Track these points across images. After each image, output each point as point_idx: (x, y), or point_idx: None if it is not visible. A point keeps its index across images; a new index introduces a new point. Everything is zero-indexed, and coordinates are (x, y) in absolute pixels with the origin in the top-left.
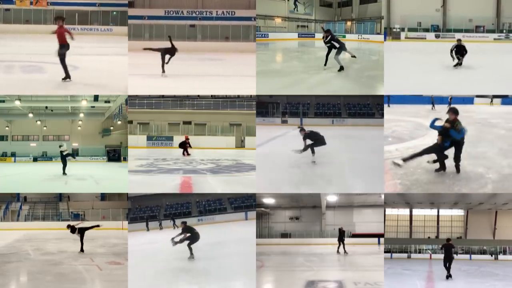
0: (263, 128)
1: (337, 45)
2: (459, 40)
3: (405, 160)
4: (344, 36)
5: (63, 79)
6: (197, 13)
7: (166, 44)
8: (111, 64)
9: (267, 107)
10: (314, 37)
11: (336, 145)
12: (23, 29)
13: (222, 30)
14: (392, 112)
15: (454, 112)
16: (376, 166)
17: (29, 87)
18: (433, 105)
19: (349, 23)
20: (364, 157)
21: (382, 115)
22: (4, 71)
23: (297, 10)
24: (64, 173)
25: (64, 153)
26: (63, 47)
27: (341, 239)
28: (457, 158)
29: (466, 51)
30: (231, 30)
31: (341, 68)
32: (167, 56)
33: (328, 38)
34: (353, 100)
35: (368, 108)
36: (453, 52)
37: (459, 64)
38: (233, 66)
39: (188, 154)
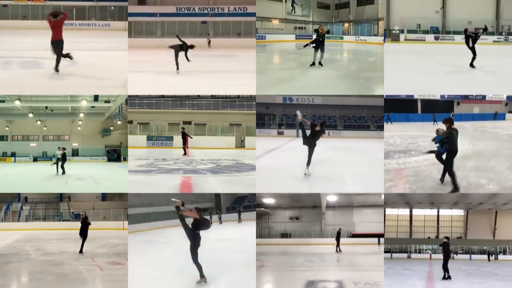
0: (259, 140)
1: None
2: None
3: None
4: (341, 38)
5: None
6: (209, 9)
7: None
8: (110, 59)
9: (264, 118)
10: (311, 38)
11: (334, 155)
12: (21, 25)
13: (234, 27)
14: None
15: (445, 122)
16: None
17: (27, 83)
18: (435, 121)
19: (346, 24)
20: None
21: (377, 128)
22: (2, 67)
23: (294, 12)
24: (60, 172)
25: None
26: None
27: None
28: (449, 173)
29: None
30: (243, 27)
31: (314, 64)
32: (181, 53)
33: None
34: (349, 113)
35: (363, 120)
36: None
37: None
38: (243, 63)
39: (186, 147)
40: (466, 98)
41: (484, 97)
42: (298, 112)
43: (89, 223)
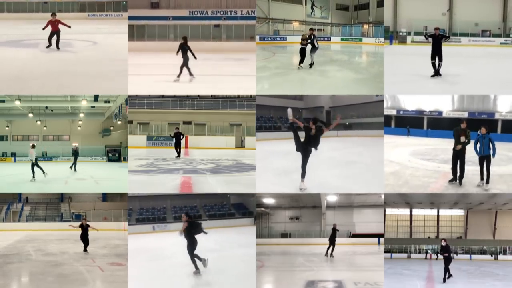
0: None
1: (316, 45)
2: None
3: None
4: (360, 40)
5: (47, 47)
6: (222, 13)
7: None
8: (120, 40)
9: None
10: (330, 40)
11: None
12: (57, 16)
13: (247, 30)
14: None
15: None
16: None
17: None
18: (408, 133)
19: (365, 26)
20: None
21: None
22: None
23: (314, 14)
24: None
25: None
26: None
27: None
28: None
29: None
30: (256, 30)
31: (312, 65)
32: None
33: (312, 38)
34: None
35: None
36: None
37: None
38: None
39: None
40: None
41: None
42: (289, 111)
43: (88, 226)
